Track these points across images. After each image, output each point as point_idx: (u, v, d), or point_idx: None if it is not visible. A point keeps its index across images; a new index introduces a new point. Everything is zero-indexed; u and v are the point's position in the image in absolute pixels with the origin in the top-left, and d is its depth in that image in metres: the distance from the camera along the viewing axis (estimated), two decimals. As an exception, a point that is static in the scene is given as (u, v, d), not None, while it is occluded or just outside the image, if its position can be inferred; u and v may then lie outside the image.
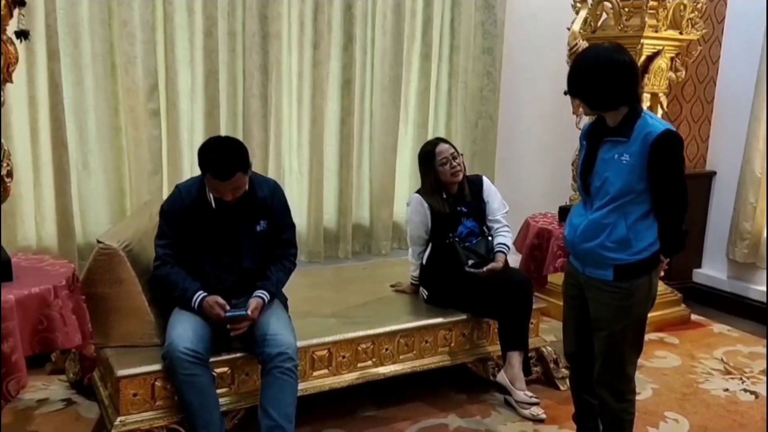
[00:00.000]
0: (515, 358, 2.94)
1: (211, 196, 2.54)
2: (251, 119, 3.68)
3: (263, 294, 2.58)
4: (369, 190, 4.19)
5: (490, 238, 3.21)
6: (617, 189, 2.18)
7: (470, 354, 3.14)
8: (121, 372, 2.42)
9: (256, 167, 3.67)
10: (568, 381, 3.27)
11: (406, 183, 4.30)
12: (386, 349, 2.92)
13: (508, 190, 3.27)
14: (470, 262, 3.08)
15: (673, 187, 2.19)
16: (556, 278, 3.91)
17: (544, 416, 2.95)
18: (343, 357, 2.82)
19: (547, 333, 3.56)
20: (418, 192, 3.21)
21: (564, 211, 3.57)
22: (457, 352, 3.11)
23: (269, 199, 2.63)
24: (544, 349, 3.32)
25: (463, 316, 3.09)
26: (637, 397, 2.89)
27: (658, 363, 3.66)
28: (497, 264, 3.07)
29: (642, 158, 2.15)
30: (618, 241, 2.20)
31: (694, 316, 4.35)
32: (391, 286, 3.43)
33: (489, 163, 4.45)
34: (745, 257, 4.43)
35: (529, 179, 4.69)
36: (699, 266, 4.79)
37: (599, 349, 2.35)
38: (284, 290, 2.84)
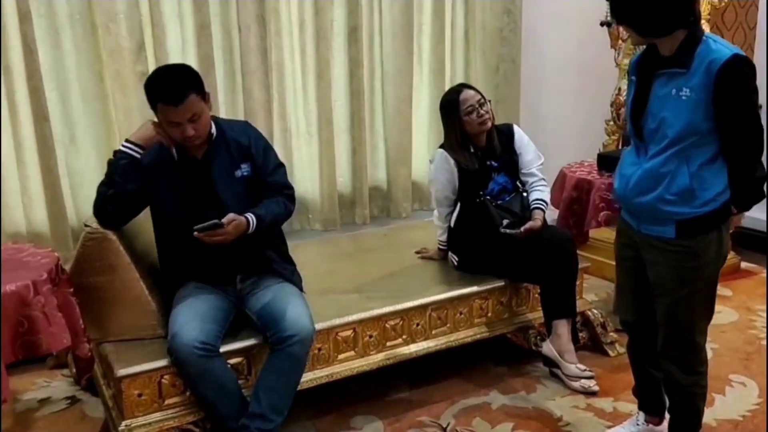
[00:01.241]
0: (563, 327, 2.63)
1: (174, 149, 2.22)
2: (251, 77, 3.33)
3: (248, 215, 2.20)
4: (384, 149, 3.84)
5: (524, 194, 2.88)
6: (677, 131, 1.85)
7: (509, 323, 2.84)
8: (123, 371, 2.14)
9: (260, 129, 3.34)
10: (625, 349, 2.98)
11: (423, 138, 3.95)
12: (417, 325, 2.62)
13: (535, 138, 2.92)
14: (505, 222, 2.75)
15: (745, 124, 1.85)
16: (599, 233, 3.58)
17: (596, 388, 2.66)
18: (370, 336, 2.52)
19: (589, 291, 3.24)
20: (441, 147, 2.86)
21: (604, 159, 3.21)
22: (495, 322, 2.81)
23: (244, 139, 2.31)
24: (590, 313, 3.01)
25: (500, 283, 2.78)
26: None
27: (716, 318, 3.32)
28: (535, 222, 2.73)
29: (706, 91, 1.80)
30: (680, 192, 1.88)
31: (744, 264, 4.02)
32: (417, 252, 3.11)
33: (513, 111, 4.07)
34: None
35: (558, 126, 4.31)
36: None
37: (662, 317, 2.04)
38: (299, 266, 2.53)
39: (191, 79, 2.15)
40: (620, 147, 3.95)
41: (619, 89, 3.07)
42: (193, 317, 2.16)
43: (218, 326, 2.20)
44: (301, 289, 2.40)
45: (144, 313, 2.28)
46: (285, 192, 2.37)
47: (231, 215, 2.16)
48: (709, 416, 2.40)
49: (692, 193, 1.87)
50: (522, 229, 2.68)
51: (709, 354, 2.93)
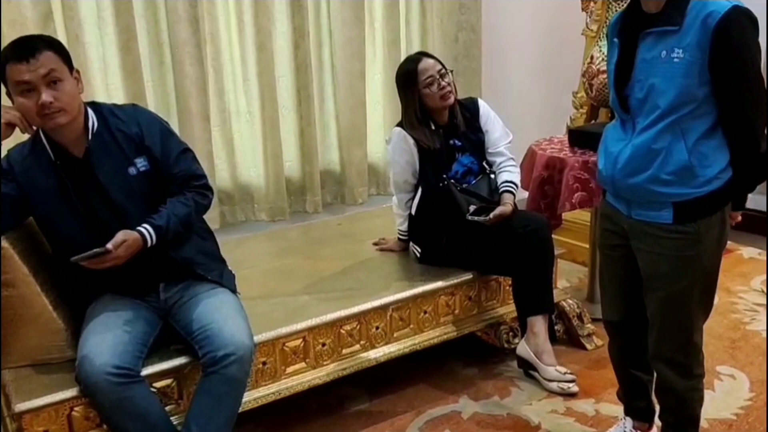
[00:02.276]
0: (539, 325, 2.36)
1: (48, 147, 1.84)
2: (181, 51, 2.93)
3: (143, 228, 1.83)
4: (336, 128, 3.49)
5: (492, 175, 2.58)
6: (670, 100, 1.58)
7: (479, 320, 2.56)
8: (22, 405, 1.77)
9: (193, 110, 2.98)
10: (603, 343, 2.74)
11: (379, 116, 3.61)
12: (376, 328, 2.31)
13: (498, 114, 2.63)
14: (471, 208, 2.45)
15: (748, 88, 1.58)
16: (570, 214, 3.32)
17: (576, 389, 2.40)
18: (323, 345, 2.20)
19: (560, 277, 2.96)
20: (399, 125, 2.54)
21: (576, 135, 2.93)
22: (463, 319, 2.52)
23: (133, 128, 1.91)
24: (565, 303, 2.75)
25: (468, 276, 2.49)
26: None
27: (694, 303, 3.11)
28: (505, 207, 2.44)
29: (702, 51, 1.53)
30: (677, 170, 1.62)
31: (718, 241, 3.82)
32: (374, 244, 2.80)
33: (475, 83, 3.76)
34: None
35: (522, 99, 4.04)
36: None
37: (655, 314, 1.78)
38: (242, 263, 2.18)
39: (50, 39, 1.80)
40: (592, 121, 3.69)
41: (591, 57, 2.79)
42: (107, 336, 1.80)
43: (138, 345, 1.85)
44: (234, 290, 2.05)
45: (49, 332, 1.92)
46: (194, 184, 1.99)
47: (119, 236, 1.78)
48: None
49: (691, 171, 1.61)
50: (491, 215, 2.39)
51: (694, 344, 2.72)
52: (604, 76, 2.77)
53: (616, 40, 1.73)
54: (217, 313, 1.88)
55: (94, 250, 1.74)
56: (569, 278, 3.34)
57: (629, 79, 1.66)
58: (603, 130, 1.82)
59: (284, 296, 2.34)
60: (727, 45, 1.53)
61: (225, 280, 2.04)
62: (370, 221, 3.16)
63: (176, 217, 1.90)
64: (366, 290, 2.36)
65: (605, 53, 2.77)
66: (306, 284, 2.45)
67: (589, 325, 2.76)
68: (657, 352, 1.82)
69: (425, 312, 2.41)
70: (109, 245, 1.76)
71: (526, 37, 3.99)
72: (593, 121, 3.68)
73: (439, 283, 2.42)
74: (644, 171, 1.64)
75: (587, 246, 3.41)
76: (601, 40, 2.80)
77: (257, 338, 2.03)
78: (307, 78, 3.25)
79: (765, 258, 3.61)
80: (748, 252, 3.71)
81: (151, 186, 1.92)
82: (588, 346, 2.73)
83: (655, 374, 1.89)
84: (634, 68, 1.65)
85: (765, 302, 3.10)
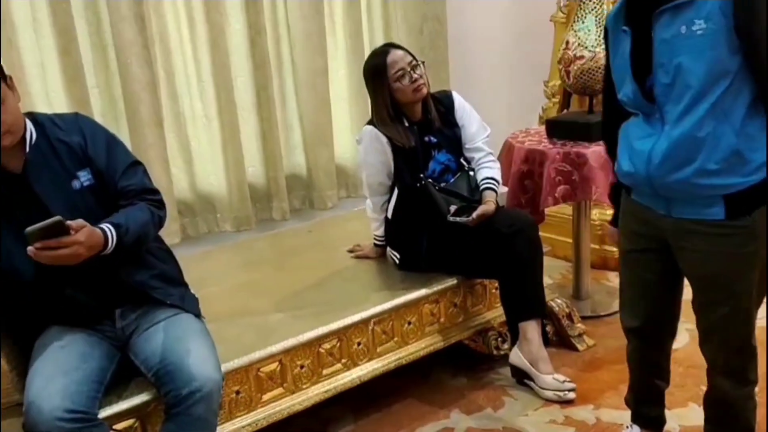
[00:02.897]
0: (533, 331, 2.21)
1: None
2: (127, 52, 2.69)
3: (103, 225, 1.61)
4: (300, 129, 3.29)
5: (471, 172, 2.43)
6: (701, 76, 1.41)
7: (466, 328, 2.40)
8: (-40, 463, 1.54)
9: (144, 116, 2.74)
10: (594, 342, 2.61)
11: (345, 114, 3.42)
12: (358, 344, 2.13)
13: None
14: (452, 208, 2.29)
15: None
16: (554, 209, 3.18)
17: (573, 395, 2.26)
18: (301, 367, 2.01)
19: (545, 273, 2.83)
20: (370, 123, 2.36)
21: (555, 125, 2.79)
22: (449, 328, 2.35)
23: (76, 138, 1.71)
24: (553, 303, 2.61)
25: (452, 281, 2.32)
26: (676, 345, 2.27)
27: (684, 294, 3.01)
28: (488, 206, 2.28)
29: (725, 16, 1.38)
30: (726, 157, 1.44)
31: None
32: (349, 251, 2.62)
33: (443, 76, 3.60)
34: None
35: (492, 90, 3.88)
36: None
37: (712, 323, 1.60)
38: (201, 281, 1.98)
39: None
40: (565, 110, 3.57)
41: (567, 43, 2.65)
42: (56, 376, 1.58)
43: (93, 384, 1.64)
44: (197, 315, 1.85)
45: (-11, 375, 1.69)
46: (147, 198, 1.77)
47: (80, 220, 1.55)
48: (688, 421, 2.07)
49: (741, 156, 1.44)
50: (473, 215, 2.23)
51: (686, 337, 2.61)
52: (582, 62, 2.63)
53: (626, 28, 1.54)
54: (179, 344, 1.67)
55: (53, 219, 1.49)
56: (551, 274, 3.19)
57: (649, 67, 1.49)
58: (621, 131, 1.63)
59: (255, 315, 2.14)
60: (751, 4, 1.36)
61: (187, 304, 1.83)
62: (343, 226, 2.98)
63: (136, 221, 1.68)
64: (344, 303, 2.18)
65: (582, 38, 2.64)
66: (278, 300, 2.25)
67: (579, 324, 2.63)
68: (714, 362, 1.65)
69: (409, 323, 2.24)
70: (71, 223, 1.52)
71: (493, 26, 3.85)
72: (565, 110, 3.57)
73: (422, 291, 2.25)
74: (689, 163, 1.45)
75: (570, 240, 3.29)
76: (576, 24, 2.66)
77: (228, 366, 1.84)
78: (266, 77, 3.04)
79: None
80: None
81: (97, 202, 1.70)
82: (579, 347, 2.60)
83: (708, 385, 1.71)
84: (653, 53, 1.48)
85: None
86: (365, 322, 2.12)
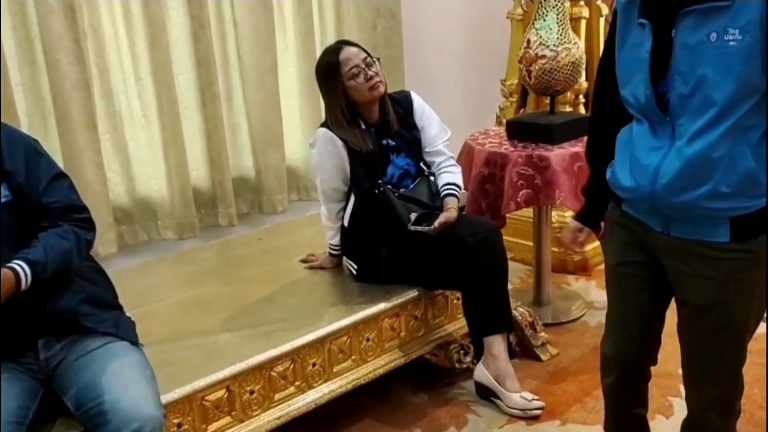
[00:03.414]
0: (498, 346, 2.09)
1: None
2: (56, 47, 2.45)
3: (15, 264, 1.44)
4: (248, 130, 3.10)
5: (431, 177, 2.30)
6: (728, 94, 1.25)
7: (427, 341, 2.27)
8: None
9: (75, 117, 2.52)
10: (558, 352, 2.52)
11: (296, 113, 3.24)
12: (313, 365, 1.98)
13: None
14: (412, 216, 2.16)
15: None
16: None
17: (539, 411, 2.16)
18: (251, 393, 1.85)
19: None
20: (324, 125, 2.20)
21: (516, 127, 2.69)
22: (410, 342, 2.23)
23: None
24: (515, 312, 2.50)
25: (412, 293, 2.20)
26: None
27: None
28: (450, 214, 2.16)
29: (763, 30, 1.22)
30: (742, 180, 1.30)
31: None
32: (302, 261, 2.46)
33: (398, 74, 3.45)
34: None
35: (447, 88, 3.78)
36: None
37: (699, 351, 1.48)
38: (139, 298, 1.79)
39: None
40: (522, 109, 3.48)
41: (528, 41, 2.55)
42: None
43: (13, 425, 1.44)
44: (135, 342, 1.66)
45: None
46: (74, 217, 1.59)
47: None
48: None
49: (755, 178, 1.30)
50: (435, 223, 2.11)
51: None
52: (543, 61, 2.53)
53: (644, 21, 1.35)
54: (114, 379, 1.48)
55: None
56: (511, 279, 3.10)
57: (663, 71, 1.32)
58: (620, 137, 1.47)
59: (200, 336, 1.96)
60: None
61: (122, 330, 1.64)
62: (295, 233, 2.82)
63: (54, 251, 1.49)
64: (298, 321, 2.02)
65: (543, 37, 2.55)
66: (226, 318, 2.08)
67: (542, 333, 2.54)
68: (700, 391, 1.52)
69: (368, 339, 2.10)
70: None
71: (448, 22, 3.73)
72: (522, 110, 3.49)
73: (382, 305, 2.12)
74: (700, 186, 1.31)
75: (528, 243, 3.21)
76: (537, 22, 2.56)
77: (169, 397, 1.67)
78: (210, 74, 2.84)
79: None
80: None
81: (16, 222, 1.50)
82: (543, 357, 2.51)
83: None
84: (672, 57, 1.30)
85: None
86: (321, 341, 1.97)
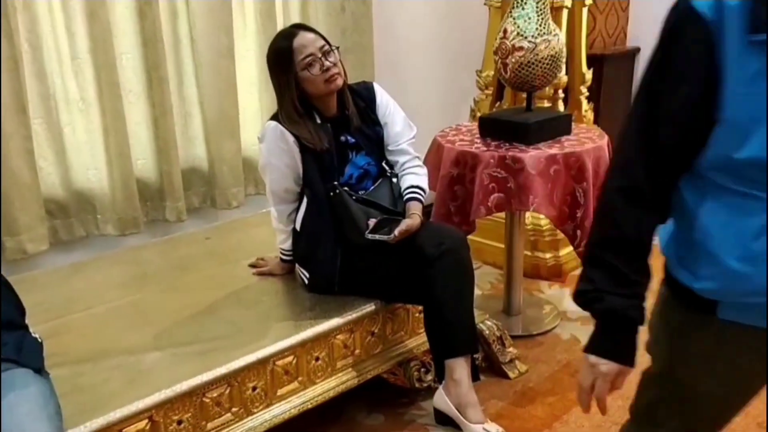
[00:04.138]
0: (461, 370, 1.89)
1: None
2: (-22, 20, 2.18)
3: None
4: (201, 117, 2.85)
5: (394, 179, 2.09)
6: None
7: (384, 359, 2.07)
8: None
9: (3, 98, 2.25)
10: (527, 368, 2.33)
11: (254, 100, 3.00)
12: (253, 389, 1.76)
13: (394, 96, 2.15)
14: (371, 222, 1.95)
15: None
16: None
17: (503, 438, 1.98)
18: (179, 423, 1.63)
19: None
20: (274, 118, 1.97)
21: (488, 124, 2.49)
22: (365, 361, 2.02)
23: None
24: (483, 326, 2.32)
25: (369, 307, 1.99)
26: None
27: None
28: (413, 221, 1.96)
29: None
30: None
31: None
32: (251, 265, 2.24)
33: (367, 62, 3.23)
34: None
35: (419, 79, 3.57)
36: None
37: None
38: (66, 304, 1.58)
39: None
40: (497, 102, 3.28)
41: (505, 31, 2.34)
42: None
43: None
44: (39, 369, 1.43)
45: None
46: None
47: None
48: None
49: None
50: (396, 231, 1.90)
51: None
52: (521, 53, 2.33)
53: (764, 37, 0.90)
54: (8, 416, 1.26)
55: None
56: (479, 284, 2.90)
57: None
58: (713, 219, 1.02)
59: (125, 354, 1.74)
60: None
61: (24, 355, 1.41)
62: (247, 232, 2.59)
63: None
64: (239, 338, 1.81)
65: (521, 27, 2.34)
66: (158, 332, 1.85)
67: (511, 349, 2.36)
68: None
69: (317, 359, 1.89)
70: None
71: (422, 7, 3.50)
72: (498, 103, 3.29)
73: (334, 321, 1.91)
74: None
75: (499, 245, 3.03)
76: (515, 10, 2.35)
77: (79, 431, 1.44)
78: (158, 55, 2.58)
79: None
80: (657, 240, 3.46)
81: None
82: (511, 375, 2.33)
83: None
84: None
85: (691, 303, 2.83)
86: (263, 362, 1.76)
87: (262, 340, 1.79)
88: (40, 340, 1.49)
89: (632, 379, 1.16)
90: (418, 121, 2.24)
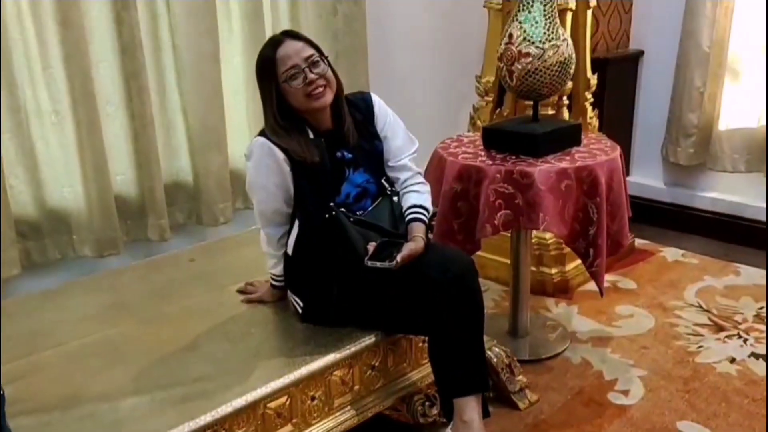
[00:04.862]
0: (471, 410, 1.71)
1: None
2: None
3: None
4: (185, 128, 2.67)
5: (395, 197, 1.92)
6: None
7: (385, 395, 1.90)
8: None
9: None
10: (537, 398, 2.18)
11: (242, 109, 2.82)
12: (243, 436, 1.59)
13: (389, 104, 1.99)
14: (370, 247, 1.77)
15: None
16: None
17: (517, 480, 1.81)
18: (159, 479, 1.45)
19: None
20: (262, 134, 1.80)
21: (492, 135, 2.32)
22: (365, 397, 1.85)
23: None
24: (491, 353, 2.15)
25: (369, 339, 1.82)
26: (629, 401, 1.92)
27: (628, 328, 2.65)
28: (416, 244, 1.78)
29: None
30: None
31: (637, 241, 3.41)
32: (239, 291, 2.06)
33: (360, 67, 3.06)
34: (690, 158, 3.51)
35: (416, 85, 3.40)
36: (627, 173, 3.83)
37: None
38: (34, 341, 1.48)
39: None
40: (498, 109, 3.12)
41: (510, 36, 2.18)
42: None
43: None
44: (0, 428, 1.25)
45: None
46: None
47: None
48: None
49: None
50: (397, 258, 1.72)
51: (640, 389, 2.24)
52: (527, 60, 2.17)
53: None
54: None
55: None
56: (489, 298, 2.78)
57: None
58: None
59: (98, 401, 1.55)
60: None
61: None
62: (235, 252, 2.42)
63: None
64: (225, 378, 1.63)
65: (528, 32, 2.18)
66: (135, 373, 1.67)
67: (520, 377, 2.20)
68: None
69: (313, 398, 1.72)
70: None
71: (417, 9, 3.34)
72: (498, 110, 3.13)
73: (331, 357, 1.73)
74: None
75: (503, 260, 2.87)
76: (520, 14, 2.19)
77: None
78: (137, 63, 2.40)
79: (694, 261, 3.23)
80: (671, 254, 3.33)
81: None
82: (521, 405, 2.17)
83: None
84: None
85: (708, 322, 2.68)
86: (253, 406, 1.58)
87: (253, 381, 1.62)
88: (1, 392, 1.31)
89: None
90: (415, 129, 2.06)
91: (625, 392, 2.23)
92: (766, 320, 2.65)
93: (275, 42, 1.75)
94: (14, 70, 2.22)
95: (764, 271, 3.03)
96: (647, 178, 3.76)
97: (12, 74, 2.21)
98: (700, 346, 2.49)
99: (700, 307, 2.79)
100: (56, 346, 1.79)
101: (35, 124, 2.31)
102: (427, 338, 1.85)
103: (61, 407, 1.53)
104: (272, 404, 1.64)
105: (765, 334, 2.55)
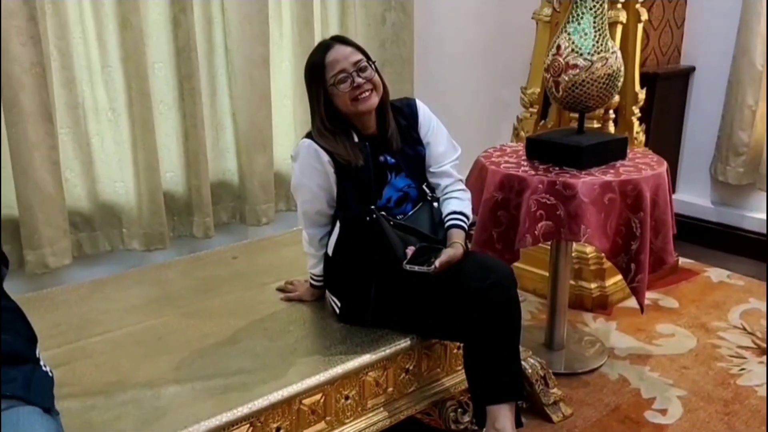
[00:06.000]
0: (503, 418, 1.71)
1: None
2: (6, 26, 2.09)
3: None
4: (233, 129, 2.74)
5: (435, 203, 1.93)
6: None
7: (419, 399, 1.91)
8: None
9: (26, 106, 2.19)
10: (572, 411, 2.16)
11: (288, 113, 2.89)
12: (277, 431, 1.62)
13: (434, 113, 2.01)
14: (409, 251, 1.79)
15: None
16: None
17: (548, 493, 1.80)
18: (197, 467, 1.50)
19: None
20: (308, 136, 1.84)
21: (536, 145, 2.32)
22: (398, 400, 1.86)
23: None
24: (526, 364, 2.15)
25: (404, 342, 1.83)
26: (666, 420, 1.88)
27: (669, 347, 2.60)
28: (455, 250, 1.80)
29: None
30: None
31: (681, 260, 3.35)
32: (279, 289, 2.11)
33: (406, 75, 3.09)
34: (739, 178, 3.44)
35: (461, 94, 3.41)
36: (673, 191, 3.77)
37: None
38: (82, 327, 1.52)
39: None
40: (542, 121, 3.11)
41: (558, 47, 2.18)
42: None
43: None
44: (48, 407, 1.30)
45: None
46: None
47: None
48: None
49: None
50: (436, 263, 1.74)
51: (678, 409, 2.20)
52: (575, 72, 2.17)
53: None
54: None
55: None
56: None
57: None
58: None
59: (140, 388, 1.61)
60: None
61: (33, 392, 1.28)
62: (277, 252, 2.46)
63: None
64: (263, 373, 1.67)
65: (576, 43, 2.18)
66: (178, 363, 1.72)
67: (555, 390, 2.18)
68: None
69: (347, 398, 1.74)
70: None
71: (465, 19, 3.36)
72: (542, 122, 3.12)
73: (366, 357, 1.76)
74: None
75: (540, 272, 2.86)
76: (569, 25, 2.19)
77: (85, 478, 1.31)
78: (191, 65, 2.48)
79: (740, 283, 3.16)
80: (716, 274, 3.25)
81: None
82: (554, 418, 2.15)
83: None
84: None
85: (751, 344, 2.62)
86: (289, 401, 1.62)
87: (288, 377, 1.65)
88: (51, 374, 1.37)
89: None
90: (457, 137, 2.08)
91: (663, 411, 2.19)
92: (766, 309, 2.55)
93: (325, 47, 1.79)
94: (74, 69, 2.32)
95: (813, 296, 2.94)
96: (694, 197, 3.69)
97: (72, 72, 2.32)
98: (742, 369, 2.43)
99: (744, 329, 2.72)
100: (103, 333, 1.86)
101: (92, 121, 2.40)
102: (462, 345, 1.86)
103: (106, 392, 1.58)
104: (307, 401, 1.66)
105: (812, 361, 2.47)
